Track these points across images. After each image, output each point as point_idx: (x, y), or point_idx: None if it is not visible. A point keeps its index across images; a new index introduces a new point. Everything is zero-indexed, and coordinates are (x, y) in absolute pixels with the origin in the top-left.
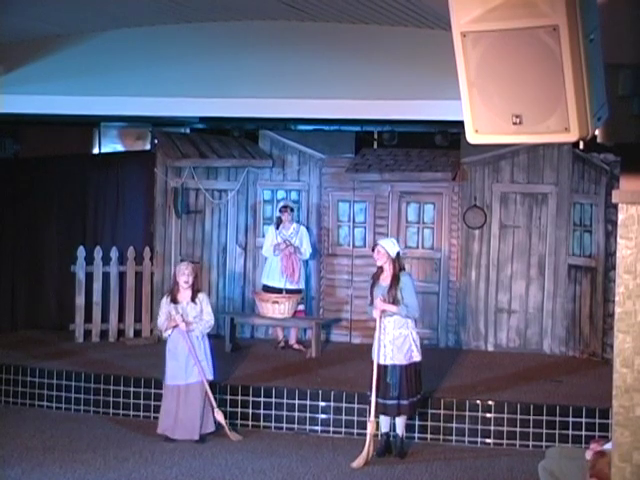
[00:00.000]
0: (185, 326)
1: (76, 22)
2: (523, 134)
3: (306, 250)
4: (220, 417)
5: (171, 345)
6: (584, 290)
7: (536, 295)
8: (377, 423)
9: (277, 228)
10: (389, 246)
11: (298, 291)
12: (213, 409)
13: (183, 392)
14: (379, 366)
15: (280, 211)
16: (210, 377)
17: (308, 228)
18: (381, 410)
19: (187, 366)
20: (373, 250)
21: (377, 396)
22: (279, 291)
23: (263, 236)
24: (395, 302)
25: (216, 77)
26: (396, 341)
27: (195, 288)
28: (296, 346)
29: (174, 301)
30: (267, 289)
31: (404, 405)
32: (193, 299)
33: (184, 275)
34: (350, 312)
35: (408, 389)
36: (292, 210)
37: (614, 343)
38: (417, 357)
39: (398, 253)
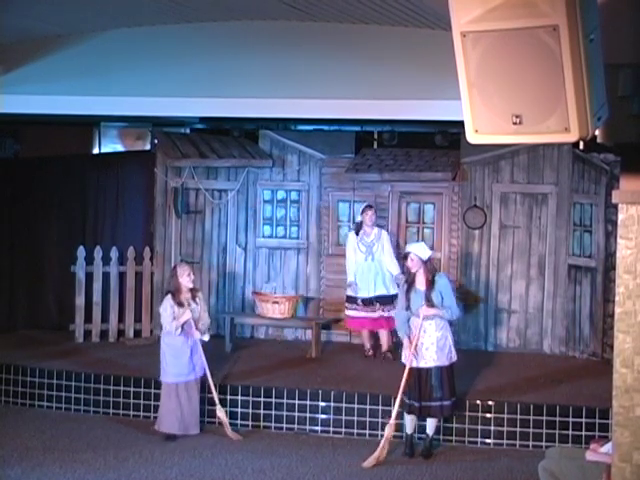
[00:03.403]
0: (197, 332)
1: (76, 22)
2: (523, 134)
3: (390, 262)
4: (222, 415)
5: (172, 344)
6: (584, 290)
7: (536, 295)
8: (396, 425)
9: (357, 234)
10: (421, 252)
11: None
12: (215, 406)
13: (184, 389)
14: (419, 370)
15: (362, 212)
16: (202, 373)
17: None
18: (426, 413)
19: (190, 363)
20: (405, 259)
21: (419, 399)
22: (369, 301)
23: (263, 236)
24: (432, 305)
25: (216, 77)
26: (439, 343)
27: (195, 288)
28: (388, 355)
29: (179, 304)
30: (356, 300)
31: (447, 406)
32: (194, 298)
33: (189, 276)
34: None
35: (449, 389)
36: (375, 212)
37: (614, 343)
38: (455, 357)
39: (429, 256)
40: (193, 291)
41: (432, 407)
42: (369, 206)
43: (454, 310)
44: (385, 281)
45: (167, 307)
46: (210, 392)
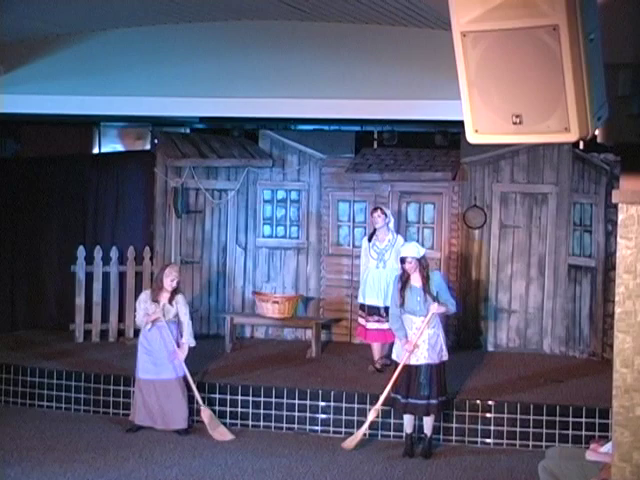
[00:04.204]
0: (180, 353)
1: (76, 22)
2: (523, 134)
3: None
4: (205, 415)
5: (145, 341)
6: (584, 290)
7: (536, 295)
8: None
9: (370, 240)
10: (415, 253)
11: None
12: (200, 406)
13: (159, 387)
14: (410, 367)
15: (371, 215)
16: (181, 373)
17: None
18: (411, 410)
19: (159, 362)
20: (403, 263)
21: (407, 396)
22: (377, 310)
23: (263, 236)
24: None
25: (216, 77)
26: (430, 340)
27: (175, 290)
28: (377, 365)
29: (155, 300)
30: (364, 308)
31: (433, 404)
32: (170, 301)
33: (172, 281)
34: (350, 312)
35: (438, 388)
36: (385, 214)
37: (614, 343)
38: (446, 356)
39: (423, 254)
40: (173, 293)
41: (418, 405)
42: (374, 208)
43: (453, 303)
44: None
45: (141, 301)
46: (204, 391)
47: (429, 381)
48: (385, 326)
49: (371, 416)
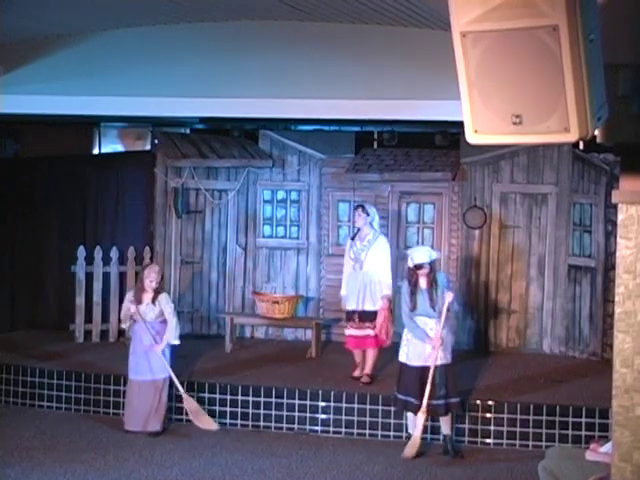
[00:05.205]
0: (157, 347)
1: (76, 22)
2: (523, 134)
3: (384, 274)
4: (189, 404)
5: (131, 340)
6: (584, 290)
7: (536, 295)
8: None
9: (352, 239)
10: (428, 258)
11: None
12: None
13: (147, 387)
14: (424, 368)
15: (354, 212)
16: (166, 374)
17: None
18: (430, 411)
19: (149, 362)
20: (419, 269)
21: (419, 398)
22: (353, 314)
23: (263, 236)
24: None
25: (216, 77)
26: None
27: (157, 290)
28: (365, 379)
29: (138, 301)
30: (350, 313)
31: (454, 403)
32: (153, 300)
33: (151, 282)
34: None
35: (454, 387)
36: (367, 213)
37: (614, 343)
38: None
39: (435, 258)
40: (156, 293)
41: (436, 405)
42: (356, 206)
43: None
44: (373, 295)
45: (125, 300)
46: (204, 392)
47: (445, 381)
48: (362, 332)
49: (422, 420)
